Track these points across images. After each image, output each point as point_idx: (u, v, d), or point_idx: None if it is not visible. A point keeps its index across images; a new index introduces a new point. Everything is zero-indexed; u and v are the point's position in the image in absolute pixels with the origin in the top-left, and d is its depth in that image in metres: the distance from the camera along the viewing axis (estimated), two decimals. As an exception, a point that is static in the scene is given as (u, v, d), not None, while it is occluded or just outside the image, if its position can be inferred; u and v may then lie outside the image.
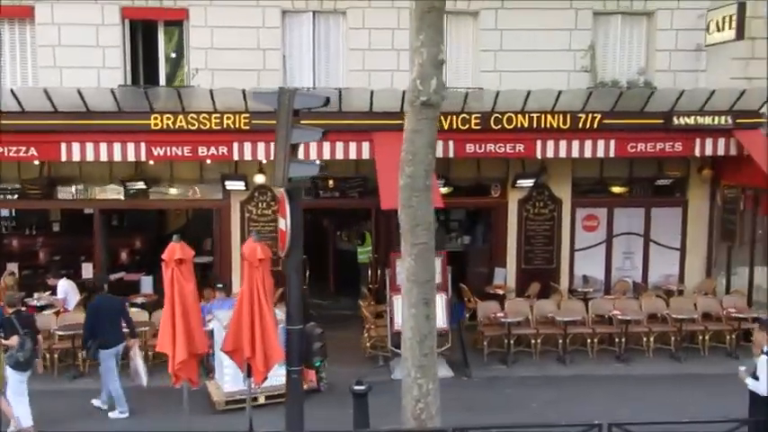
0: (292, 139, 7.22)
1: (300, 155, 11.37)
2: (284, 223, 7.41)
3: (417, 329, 7.82)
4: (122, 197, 13.15)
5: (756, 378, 7.48)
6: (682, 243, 13.95)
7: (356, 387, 8.24)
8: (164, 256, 7.56)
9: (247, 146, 11.80)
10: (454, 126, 12.19)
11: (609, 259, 13.96)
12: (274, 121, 7.27)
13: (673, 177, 13.86)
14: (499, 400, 10.32)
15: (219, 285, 11.77)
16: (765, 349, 7.51)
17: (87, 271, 13.62)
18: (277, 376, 8.44)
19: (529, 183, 13.40)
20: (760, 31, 13.31)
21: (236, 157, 11.97)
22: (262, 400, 9.80)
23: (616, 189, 13.81)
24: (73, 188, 13.11)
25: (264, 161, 12.06)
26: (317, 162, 12.34)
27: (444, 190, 13.29)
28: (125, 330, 9.87)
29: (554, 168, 13.41)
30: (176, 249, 7.48)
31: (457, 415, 8.96)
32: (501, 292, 13.20)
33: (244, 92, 11.23)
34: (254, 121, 11.65)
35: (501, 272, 13.71)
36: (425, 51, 7.49)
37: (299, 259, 7.64)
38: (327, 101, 7.36)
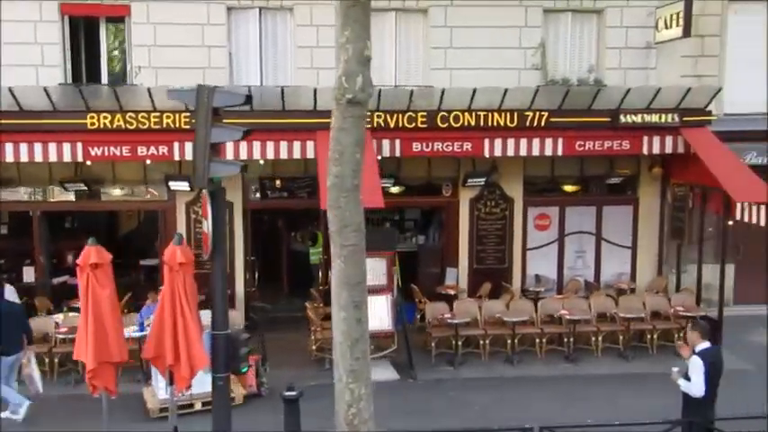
0: (212, 138, 7.02)
1: (243, 155, 11.47)
2: (206, 225, 7.19)
3: (348, 333, 7.60)
4: (74, 198, 12.84)
5: (688, 379, 7.39)
6: (633, 241, 13.94)
7: (287, 393, 8.03)
8: (78, 261, 7.26)
9: (189, 145, 11.47)
10: (400, 124, 12.04)
11: (561, 258, 13.91)
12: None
13: (623, 176, 13.82)
14: (442, 402, 10.13)
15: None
16: (697, 350, 7.43)
17: (29, 274, 13.24)
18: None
19: (480, 182, 13.27)
20: (708, 29, 13.35)
21: (176, 157, 11.72)
22: (198, 407, 9.55)
23: (567, 188, 13.73)
24: (20, 190, 12.74)
25: (207, 161, 11.76)
26: (261, 162, 12.20)
27: (395, 189, 13.17)
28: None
29: (505, 167, 13.30)
30: (92, 253, 7.18)
31: (396, 419, 8.84)
32: (452, 292, 13.05)
33: (183, 90, 10.96)
34: (194, 121, 11.29)
35: (452, 272, 13.59)
36: (351, 48, 7.25)
37: (225, 262, 7.41)
38: (248, 99, 7.15)
